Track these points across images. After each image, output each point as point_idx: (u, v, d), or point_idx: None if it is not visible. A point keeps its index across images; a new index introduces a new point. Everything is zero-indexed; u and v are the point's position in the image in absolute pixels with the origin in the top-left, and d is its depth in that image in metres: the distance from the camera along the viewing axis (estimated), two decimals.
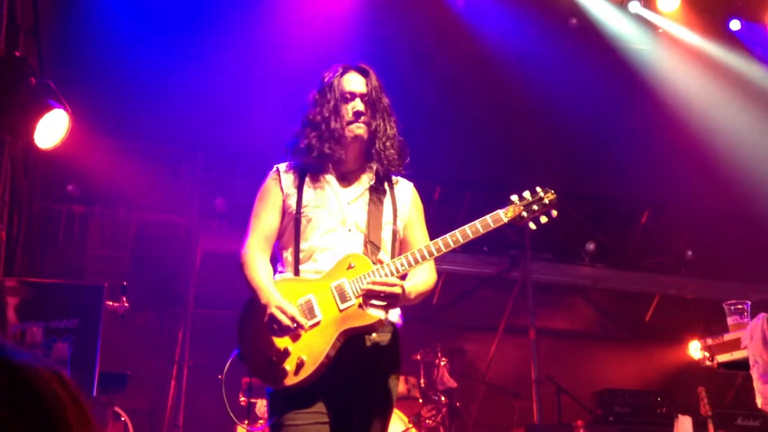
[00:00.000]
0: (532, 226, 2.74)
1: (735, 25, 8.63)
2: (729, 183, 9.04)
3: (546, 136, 8.64)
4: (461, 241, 2.68)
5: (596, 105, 8.77)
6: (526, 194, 2.74)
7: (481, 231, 2.72)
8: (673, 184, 9.21)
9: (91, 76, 6.98)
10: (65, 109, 4.25)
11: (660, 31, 8.69)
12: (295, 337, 2.64)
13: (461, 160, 8.50)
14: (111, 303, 4.18)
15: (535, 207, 2.72)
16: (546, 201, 2.72)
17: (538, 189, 2.74)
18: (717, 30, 8.65)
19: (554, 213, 2.73)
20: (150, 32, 7.27)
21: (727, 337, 3.84)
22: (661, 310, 10.25)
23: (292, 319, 2.59)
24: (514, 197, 2.73)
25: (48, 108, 4.30)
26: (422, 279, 2.81)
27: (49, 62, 6.32)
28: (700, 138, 9.03)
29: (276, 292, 2.69)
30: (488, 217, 2.73)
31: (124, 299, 4.30)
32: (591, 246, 9.19)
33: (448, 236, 2.70)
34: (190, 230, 7.90)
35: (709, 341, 4.01)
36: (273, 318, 2.60)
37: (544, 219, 2.74)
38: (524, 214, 2.71)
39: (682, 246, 9.56)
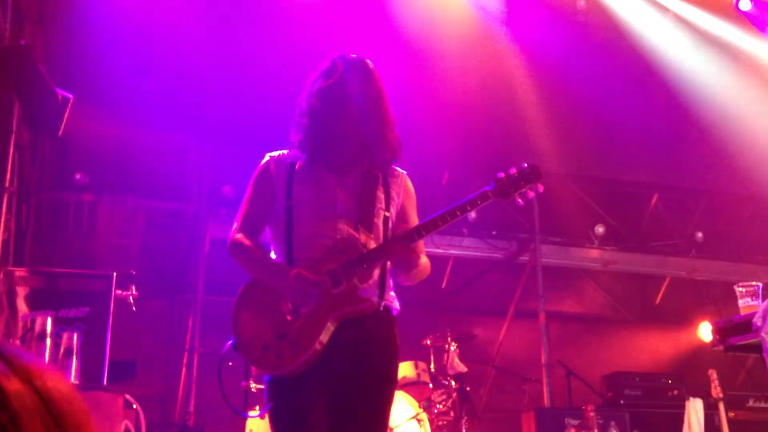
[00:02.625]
0: (520, 201, 2.75)
1: (744, 4, 8.55)
2: (739, 163, 8.99)
3: (554, 119, 8.60)
4: (449, 220, 2.70)
5: (604, 87, 8.71)
6: (512, 171, 2.74)
7: (469, 209, 2.73)
8: (682, 165, 9.16)
9: (97, 64, 6.97)
10: (70, 95, 4.25)
11: (669, 12, 8.62)
12: (290, 324, 2.65)
13: (469, 145, 8.47)
14: (120, 291, 4.19)
15: (521, 183, 2.72)
16: (532, 176, 2.72)
17: (524, 165, 2.75)
18: (726, 10, 8.58)
19: (540, 188, 2.73)
20: (158, 20, 7.25)
21: (738, 319, 3.81)
22: (672, 293, 10.23)
23: (310, 281, 2.61)
24: (500, 174, 2.74)
25: (54, 95, 4.30)
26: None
27: (54, 51, 6.32)
28: (709, 119, 8.98)
29: (283, 264, 2.72)
30: (474, 196, 2.73)
31: (133, 288, 4.31)
32: (600, 229, 9.17)
33: (437, 216, 2.71)
34: (199, 217, 7.91)
35: (720, 324, 3.98)
36: (296, 287, 2.62)
37: (531, 194, 2.75)
38: (510, 190, 2.72)
39: (692, 228, 9.52)
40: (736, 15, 8.66)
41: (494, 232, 8.91)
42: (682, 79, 8.88)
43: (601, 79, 8.67)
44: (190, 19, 7.34)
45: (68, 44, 6.83)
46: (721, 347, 3.88)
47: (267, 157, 2.94)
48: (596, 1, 8.58)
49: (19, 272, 4.14)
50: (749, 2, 8.37)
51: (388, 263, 2.80)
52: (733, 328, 3.81)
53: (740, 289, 3.90)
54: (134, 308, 4.29)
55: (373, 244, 2.74)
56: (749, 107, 8.90)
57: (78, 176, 7.33)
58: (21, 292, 3.98)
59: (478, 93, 8.37)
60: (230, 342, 2.76)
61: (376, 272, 2.76)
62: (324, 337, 2.62)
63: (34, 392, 0.68)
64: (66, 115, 4.29)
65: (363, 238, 2.74)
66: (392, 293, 2.85)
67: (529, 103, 8.56)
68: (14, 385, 0.67)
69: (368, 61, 2.92)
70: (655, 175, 9.36)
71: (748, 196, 9.41)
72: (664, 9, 8.64)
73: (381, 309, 2.75)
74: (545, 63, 8.45)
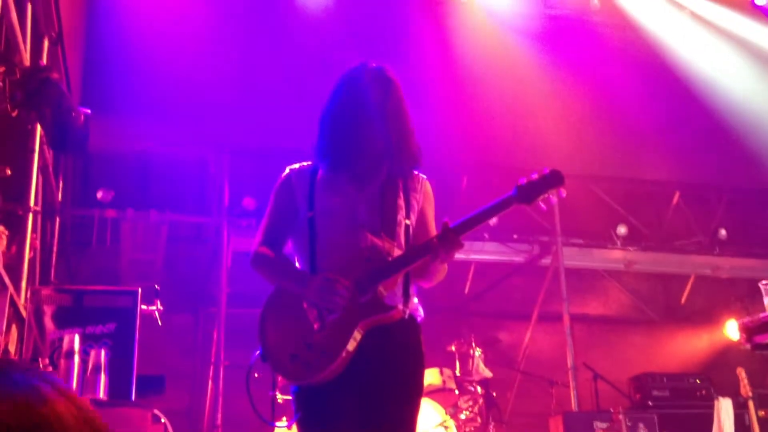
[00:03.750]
0: (543, 206, 2.75)
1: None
2: (759, 159, 8.91)
3: (571, 121, 8.57)
4: (472, 226, 2.71)
5: (622, 87, 8.68)
6: (534, 176, 2.74)
7: (492, 215, 2.73)
8: (703, 163, 9.09)
9: (116, 81, 7.04)
10: (87, 110, 4.30)
11: (685, 9, 8.60)
12: (317, 333, 2.66)
13: (488, 149, 8.45)
14: (146, 306, 4.22)
15: (543, 188, 2.72)
16: (554, 181, 2.72)
17: (546, 170, 2.74)
18: (743, 5, 8.54)
19: (563, 193, 2.72)
20: (177, 36, 7.31)
21: (765, 317, 3.78)
22: (697, 292, 10.14)
23: (339, 284, 2.62)
24: (523, 180, 2.74)
25: (76, 113, 4.35)
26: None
27: (74, 70, 6.39)
28: (728, 115, 8.91)
29: (308, 272, 2.73)
30: (498, 202, 2.74)
31: (158, 302, 4.34)
32: (622, 229, 9.11)
33: (467, 219, 2.71)
34: (220, 230, 7.95)
35: (747, 322, 3.95)
36: (324, 289, 2.63)
37: (553, 199, 2.74)
38: (533, 195, 2.71)
39: (715, 225, 9.43)
40: (753, 10, 8.61)
41: (515, 236, 8.89)
42: (700, 75, 8.83)
43: (618, 78, 8.64)
44: (209, 34, 7.41)
45: (88, 63, 6.90)
46: (748, 346, 3.84)
47: (287, 170, 2.96)
48: (610, 1, 8.57)
49: (46, 291, 4.19)
50: None
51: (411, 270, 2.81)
52: (759, 327, 3.78)
53: (766, 286, 3.86)
54: (160, 322, 4.32)
55: (396, 252, 2.75)
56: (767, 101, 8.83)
57: (100, 193, 7.40)
58: (48, 310, 4.02)
59: (495, 98, 8.36)
60: (257, 352, 2.77)
61: (400, 280, 2.77)
62: (351, 346, 2.63)
63: (78, 412, 0.72)
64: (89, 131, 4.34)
65: (387, 246, 2.75)
66: (416, 300, 2.86)
67: (547, 106, 8.54)
68: (63, 407, 0.71)
69: (388, 68, 2.93)
70: (675, 173, 9.28)
71: None
72: (680, 6, 8.61)
73: (406, 317, 2.76)
74: (561, 66, 8.44)
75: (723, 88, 8.79)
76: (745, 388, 5.59)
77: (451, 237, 2.65)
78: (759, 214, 9.66)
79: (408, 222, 2.87)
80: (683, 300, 10.19)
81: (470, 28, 8.34)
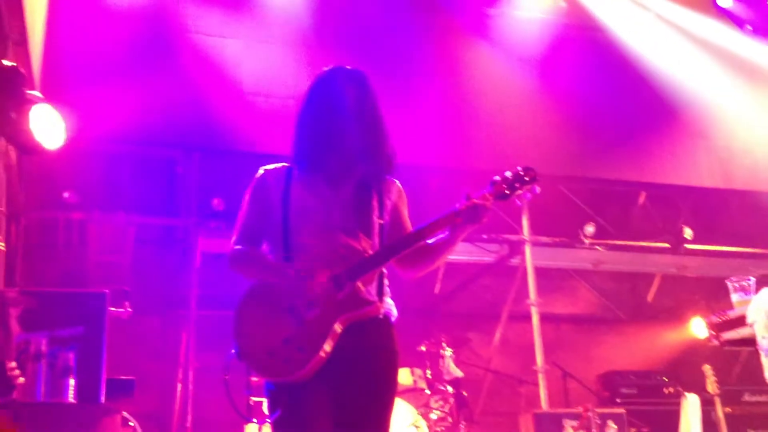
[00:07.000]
0: (518, 203, 2.80)
1: (724, 1, 8.64)
2: (726, 159, 9.05)
3: (540, 120, 8.63)
4: (444, 225, 2.75)
5: (590, 86, 8.76)
6: (508, 173, 2.79)
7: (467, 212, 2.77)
8: (669, 162, 9.20)
9: (81, 81, 6.96)
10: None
11: (650, 11, 8.71)
12: (295, 328, 2.65)
13: (457, 148, 8.47)
14: (114, 309, 4.18)
15: (517, 184, 2.77)
16: (527, 178, 2.78)
17: (519, 168, 2.80)
18: (706, 6, 8.67)
19: (537, 189, 2.79)
20: (142, 34, 7.25)
21: (732, 314, 3.84)
22: (663, 290, 10.27)
23: (316, 277, 2.62)
24: (497, 177, 2.79)
25: (43, 111, 4.30)
26: None
27: (39, 70, 6.30)
28: (693, 115, 9.04)
29: (286, 264, 2.74)
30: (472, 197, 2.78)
31: (127, 305, 4.30)
32: (590, 228, 9.18)
33: (441, 218, 2.75)
34: (189, 232, 7.88)
35: (714, 319, 4.00)
36: (302, 283, 2.63)
37: (528, 196, 2.80)
38: (507, 192, 2.76)
39: (681, 224, 9.55)
40: (716, 12, 8.75)
41: (485, 236, 8.91)
42: (666, 76, 8.95)
43: (587, 77, 8.72)
44: (181, 30, 7.35)
45: (51, 61, 6.80)
46: (717, 342, 3.90)
47: (262, 171, 2.95)
48: (576, 2, 8.65)
49: (12, 293, 4.13)
50: None
51: (384, 269, 2.83)
52: (727, 323, 3.84)
53: (733, 283, 3.92)
54: (128, 311, 4.28)
55: (371, 251, 2.76)
56: (734, 102, 8.98)
57: (66, 194, 7.29)
58: (14, 313, 3.96)
59: (463, 98, 8.40)
60: (233, 351, 2.75)
61: (375, 277, 2.78)
62: (330, 343, 2.63)
63: None
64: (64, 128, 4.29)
65: (362, 245, 2.77)
66: (390, 300, 2.87)
67: (516, 105, 8.60)
68: None
69: (363, 72, 2.94)
70: (642, 172, 9.36)
71: (736, 190, 9.45)
72: (645, 8, 8.72)
73: (381, 316, 2.77)
74: (530, 63, 8.51)
75: (690, 88, 8.92)
76: (712, 385, 5.65)
77: (481, 206, 2.70)
78: (724, 213, 9.80)
79: (381, 222, 2.89)
80: (650, 298, 10.31)
81: (438, 32, 8.37)
